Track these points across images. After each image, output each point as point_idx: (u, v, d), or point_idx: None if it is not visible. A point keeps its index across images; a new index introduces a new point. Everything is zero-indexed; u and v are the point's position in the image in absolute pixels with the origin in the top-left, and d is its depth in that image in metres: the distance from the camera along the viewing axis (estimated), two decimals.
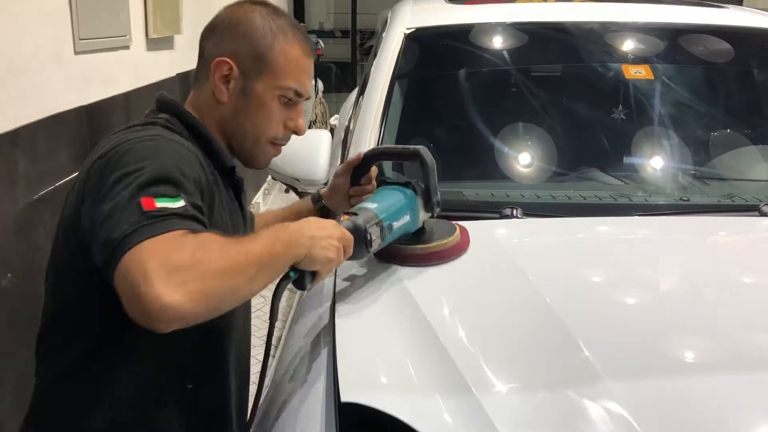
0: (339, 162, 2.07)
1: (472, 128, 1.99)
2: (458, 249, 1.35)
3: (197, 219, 0.96)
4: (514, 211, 1.57)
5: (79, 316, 1.09)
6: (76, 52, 2.28)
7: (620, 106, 2.01)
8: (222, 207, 1.15)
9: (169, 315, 0.85)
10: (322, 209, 1.45)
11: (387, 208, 1.23)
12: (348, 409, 0.94)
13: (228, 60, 1.17)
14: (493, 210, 1.58)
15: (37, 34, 2.05)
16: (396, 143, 1.95)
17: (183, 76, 3.47)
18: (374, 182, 1.40)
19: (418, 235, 1.33)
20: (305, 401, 1.04)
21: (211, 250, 0.91)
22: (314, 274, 1.06)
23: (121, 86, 2.69)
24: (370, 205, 1.22)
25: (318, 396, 1.02)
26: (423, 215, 1.32)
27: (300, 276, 1.05)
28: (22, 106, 1.96)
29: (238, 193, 1.26)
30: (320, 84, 6.52)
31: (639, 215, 1.57)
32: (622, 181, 1.79)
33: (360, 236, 1.14)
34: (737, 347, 1.08)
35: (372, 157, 1.39)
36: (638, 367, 1.02)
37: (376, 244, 1.18)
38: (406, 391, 0.97)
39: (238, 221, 1.24)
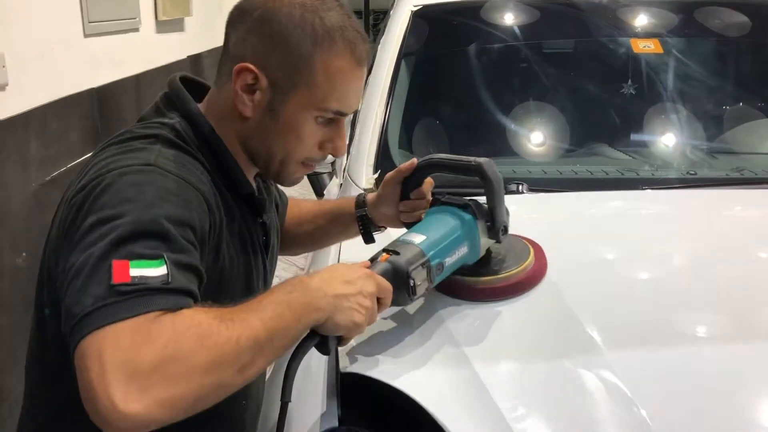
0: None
1: (480, 105, 1.99)
2: (534, 278, 1.12)
3: (180, 290, 0.77)
4: (520, 187, 1.57)
5: (56, 366, 0.92)
6: (86, 35, 2.30)
7: (629, 81, 1.99)
8: (232, 243, 0.98)
9: (128, 425, 0.69)
10: (363, 218, 1.22)
11: (438, 241, 1.01)
12: (349, 380, 0.96)
13: (253, 69, 0.94)
14: None
15: (46, 17, 2.06)
16: (402, 122, 1.96)
17: (194, 59, 3.48)
18: (429, 197, 1.16)
19: (482, 263, 1.11)
20: (308, 372, 1.06)
21: (188, 339, 0.72)
22: (340, 338, 0.89)
23: (131, 69, 2.71)
24: (416, 238, 1.00)
25: (320, 367, 1.03)
26: (485, 242, 1.09)
27: (322, 341, 0.88)
28: (33, 89, 1.98)
29: (259, 213, 1.07)
30: None
31: (646, 189, 1.57)
32: (630, 156, 1.79)
33: (401, 282, 0.95)
34: (739, 320, 1.08)
35: (425, 167, 1.15)
36: (638, 340, 1.02)
37: (422, 290, 0.98)
38: (405, 363, 0.98)
39: (252, 257, 1.04)
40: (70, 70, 2.20)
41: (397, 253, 0.97)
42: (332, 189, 1.98)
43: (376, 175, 1.72)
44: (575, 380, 0.93)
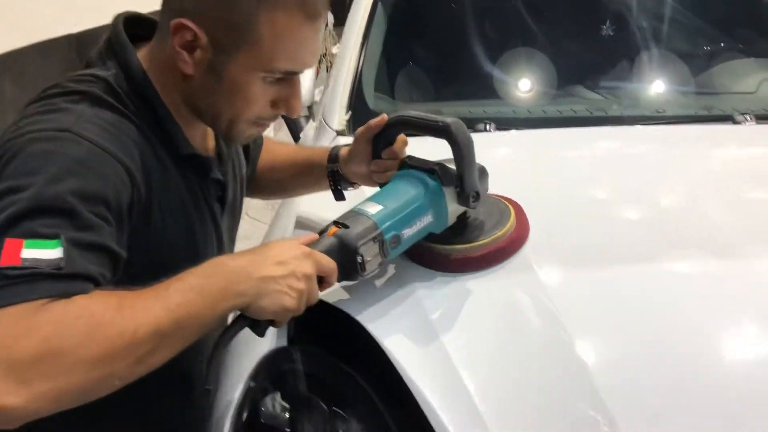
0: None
1: (456, 47, 2.00)
2: (515, 243, 1.04)
3: (75, 275, 0.72)
4: (487, 126, 1.60)
5: None
6: None
7: (607, 22, 1.99)
8: (169, 208, 0.92)
9: (8, 417, 0.66)
10: (334, 174, 1.15)
11: (395, 211, 0.94)
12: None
13: (191, 26, 0.84)
14: (468, 126, 1.61)
15: None
16: (378, 66, 1.96)
17: None
18: (402, 156, 1.08)
19: (459, 229, 1.03)
20: None
21: (75, 331, 0.68)
22: (273, 320, 0.84)
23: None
24: (372, 209, 0.93)
25: None
26: (455, 209, 1.00)
27: (253, 324, 0.83)
28: (8, 33, 1.98)
29: (206, 172, 0.99)
30: (330, 17, 6.42)
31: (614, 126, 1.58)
32: (603, 96, 1.80)
33: (348, 259, 0.89)
34: (674, 237, 1.11)
35: (395, 125, 1.05)
36: (574, 260, 1.06)
37: (373, 265, 0.91)
38: (359, 297, 1.00)
39: (197, 219, 0.98)
40: (47, 14, 2.20)
41: (347, 227, 0.90)
42: (309, 132, 1.99)
43: (348, 116, 1.73)
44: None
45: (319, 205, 1.25)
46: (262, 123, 0.95)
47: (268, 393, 0.98)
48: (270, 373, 0.99)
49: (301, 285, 0.82)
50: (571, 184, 1.34)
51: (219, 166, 1.03)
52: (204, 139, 1.02)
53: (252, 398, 0.97)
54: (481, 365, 0.90)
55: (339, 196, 1.17)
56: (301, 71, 0.91)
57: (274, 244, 0.85)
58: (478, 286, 1.00)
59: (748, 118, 1.54)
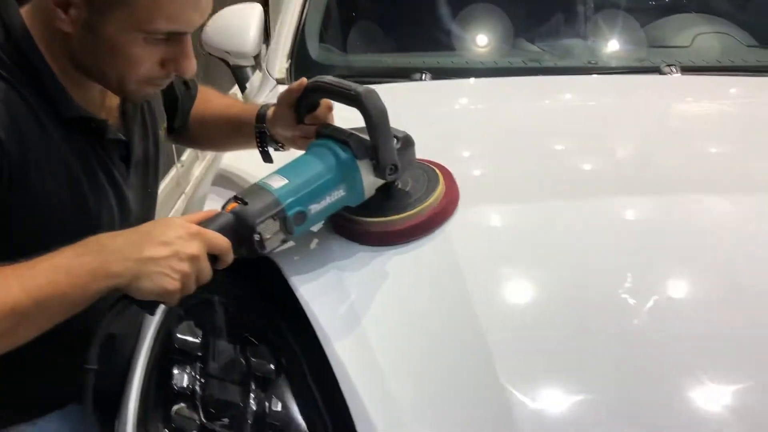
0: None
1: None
2: (443, 213, 1.00)
3: None
4: (423, 76, 1.63)
5: None
6: None
7: None
8: (51, 173, 0.87)
9: None
10: (262, 135, 1.10)
11: (300, 186, 0.90)
12: None
13: None
14: (404, 75, 1.64)
15: None
16: (326, 15, 1.97)
17: None
18: (328, 121, 1.04)
19: (381, 201, 0.98)
20: None
21: None
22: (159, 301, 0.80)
23: None
24: (276, 183, 0.89)
25: None
26: (373, 182, 0.96)
27: (140, 303, 0.79)
28: None
29: (101, 137, 0.93)
30: None
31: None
32: (541, 49, 1.83)
33: (245, 236, 0.85)
34: (597, 181, 1.16)
35: (314, 90, 1.01)
36: (500, 210, 1.11)
37: (274, 243, 0.88)
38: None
39: (87, 182, 0.92)
40: None
41: (245, 203, 0.86)
42: (255, 82, 2.00)
43: (287, 65, 1.75)
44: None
45: (243, 161, 1.24)
46: (155, 83, 0.91)
47: (182, 321, 1.02)
48: (184, 302, 1.02)
49: (183, 266, 0.77)
50: (499, 130, 1.38)
51: (121, 124, 0.99)
52: (103, 97, 0.97)
53: (167, 326, 1.01)
54: (386, 322, 0.92)
55: (266, 158, 1.13)
56: (186, 31, 0.86)
57: (160, 223, 0.81)
58: (399, 258, 0.98)
59: (674, 69, 1.59)
